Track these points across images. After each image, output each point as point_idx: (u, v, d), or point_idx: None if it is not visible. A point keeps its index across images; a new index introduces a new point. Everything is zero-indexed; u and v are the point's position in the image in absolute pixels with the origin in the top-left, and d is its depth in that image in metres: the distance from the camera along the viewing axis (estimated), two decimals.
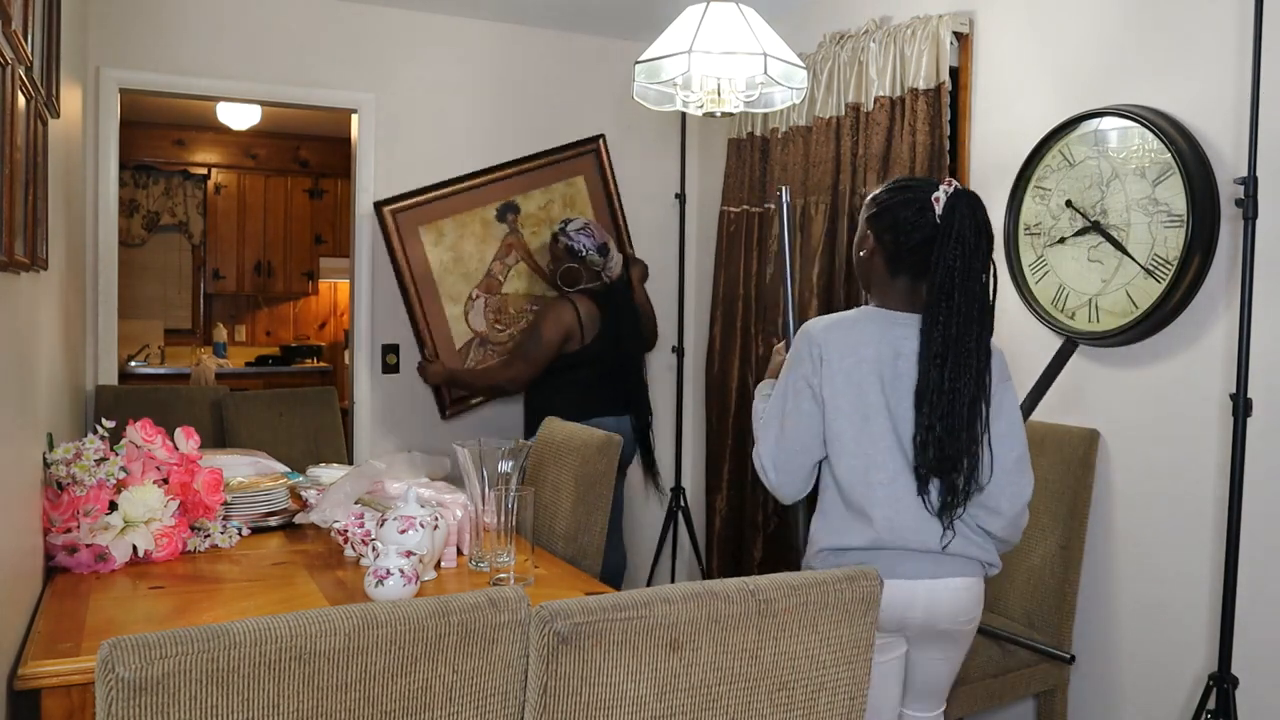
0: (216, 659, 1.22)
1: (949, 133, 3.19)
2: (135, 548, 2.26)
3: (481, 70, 4.29)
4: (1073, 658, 2.68)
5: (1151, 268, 2.61)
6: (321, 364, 7.61)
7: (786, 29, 3.03)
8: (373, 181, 4.13)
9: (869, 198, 2.13)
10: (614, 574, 3.75)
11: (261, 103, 4.92)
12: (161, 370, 7.04)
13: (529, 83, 4.37)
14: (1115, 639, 2.77)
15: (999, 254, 3.06)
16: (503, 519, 2.21)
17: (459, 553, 2.40)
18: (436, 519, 2.21)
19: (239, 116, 6.21)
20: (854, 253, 2.15)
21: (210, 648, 1.22)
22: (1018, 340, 3.03)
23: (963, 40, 3.20)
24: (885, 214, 2.05)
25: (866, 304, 2.15)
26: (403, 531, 2.14)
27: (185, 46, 3.84)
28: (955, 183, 2.02)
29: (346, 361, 5.75)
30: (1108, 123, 2.72)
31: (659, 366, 4.63)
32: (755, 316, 4.02)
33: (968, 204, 1.98)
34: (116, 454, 2.31)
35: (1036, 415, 2.93)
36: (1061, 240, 2.85)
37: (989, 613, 2.82)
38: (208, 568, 2.31)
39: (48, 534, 2.20)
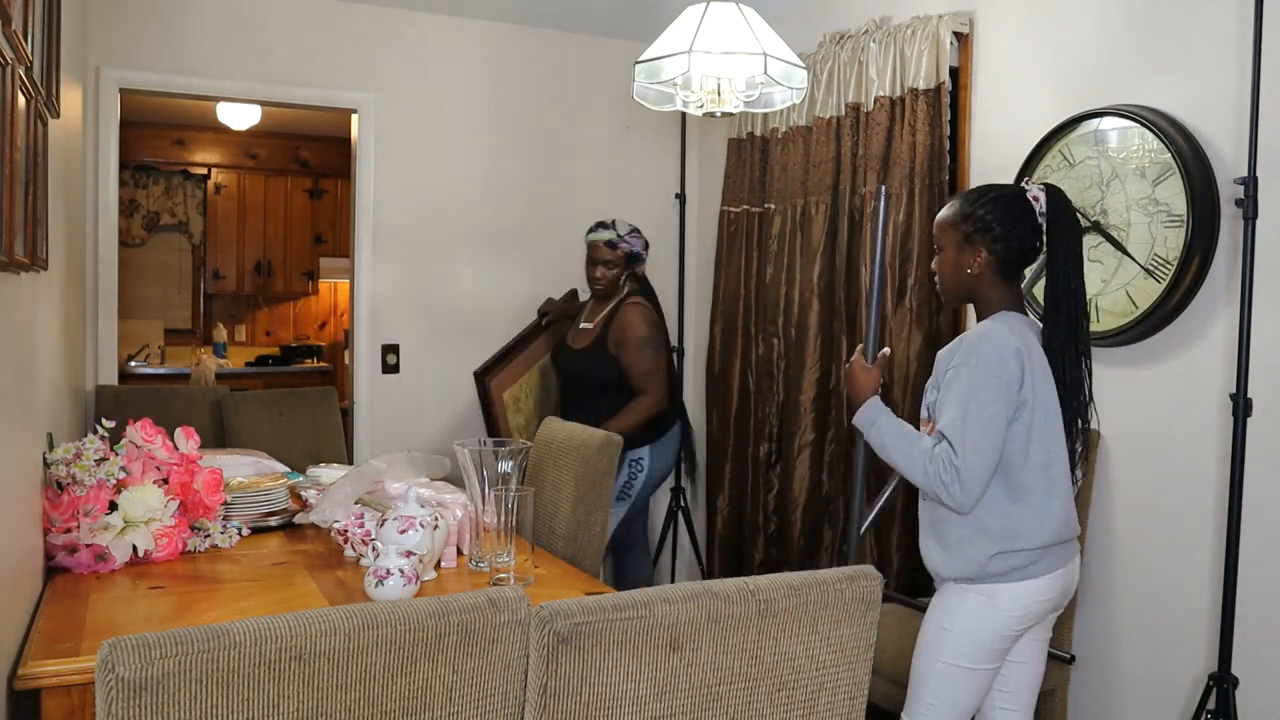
0: (216, 659, 1.22)
1: (949, 133, 3.19)
2: (135, 548, 2.26)
3: (481, 70, 4.29)
4: (1073, 658, 2.68)
5: (1151, 268, 2.61)
6: (321, 364, 7.61)
7: (786, 29, 3.03)
8: (373, 182, 4.13)
9: (956, 215, 2.13)
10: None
11: (261, 103, 4.92)
12: (161, 370, 7.04)
13: (529, 83, 4.37)
14: (1115, 639, 2.76)
15: None
16: (503, 519, 2.21)
17: (459, 553, 2.40)
18: (436, 519, 2.21)
19: (239, 116, 6.21)
20: (951, 273, 2.15)
21: (210, 648, 1.22)
22: None
23: (963, 40, 3.20)
24: (992, 225, 2.09)
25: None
26: (403, 531, 2.14)
27: (185, 46, 3.84)
28: (1031, 180, 2.11)
29: (346, 361, 5.75)
30: (1108, 123, 2.72)
31: None
32: (755, 316, 4.02)
33: (1062, 197, 2.11)
34: (116, 454, 2.31)
35: None
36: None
37: None
38: (208, 568, 2.30)
39: (48, 534, 2.20)
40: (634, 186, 4.57)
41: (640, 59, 2.50)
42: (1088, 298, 2.76)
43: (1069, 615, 2.73)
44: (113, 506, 2.26)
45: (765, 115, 3.95)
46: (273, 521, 2.66)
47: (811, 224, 3.67)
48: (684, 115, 4.44)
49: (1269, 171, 2.32)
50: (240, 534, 2.53)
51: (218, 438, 3.80)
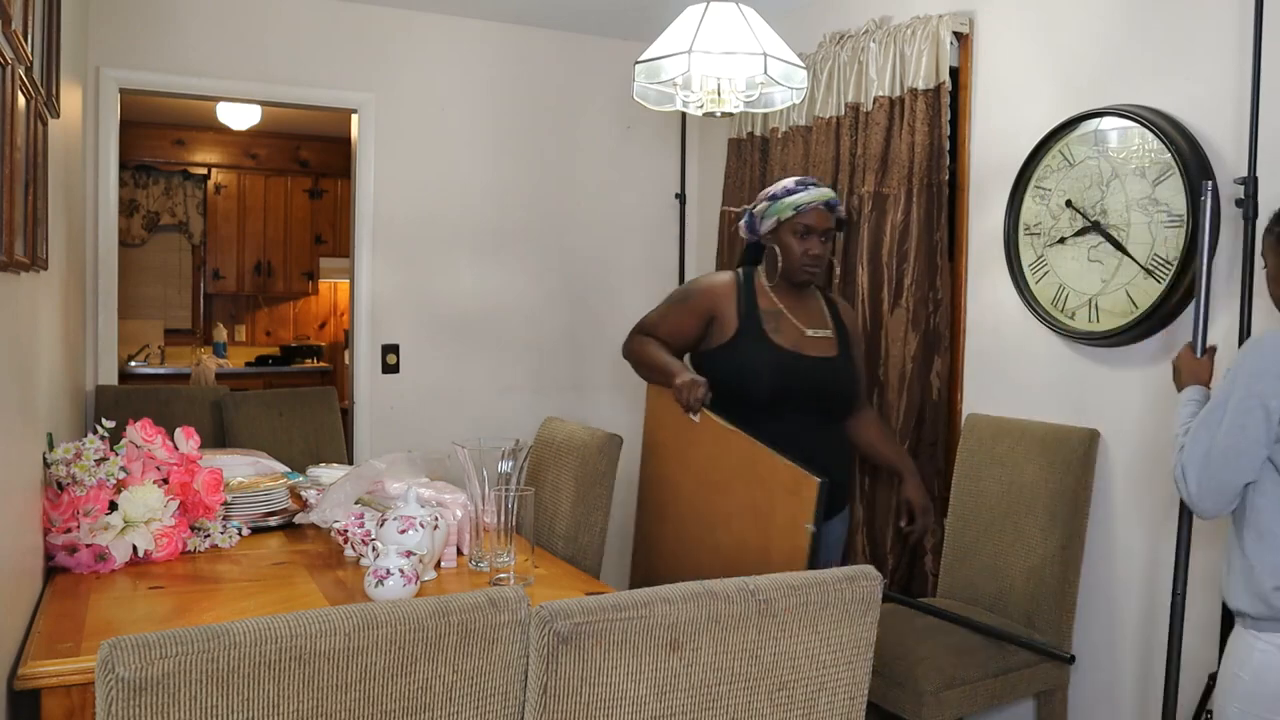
0: (216, 659, 1.22)
1: (949, 133, 3.19)
2: (135, 548, 2.26)
3: (481, 70, 4.29)
4: (1073, 658, 2.68)
5: (1151, 267, 2.61)
6: (321, 364, 7.61)
7: (786, 29, 3.03)
8: (373, 182, 4.13)
9: (1270, 222, 1.92)
10: None
11: (261, 103, 4.92)
12: (161, 370, 7.04)
13: (529, 83, 4.37)
14: (1115, 639, 2.76)
15: (999, 254, 3.07)
16: (503, 519, 2.21)
17: (459, 553, 2.40)
18: (436, 519, 2.21)
19: (239, 116, 6.21)
20: (1273, 282, 1.94)
21: (210, 648, 1.22)
22: (1017, 340, 3.03)
23: (962, 40, 3.20)
24: None
25: None
26: (403, 531, 2.14)
27: (185, 46, 3.84)
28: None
29: (346, 361, 5.75)
30: (1108, 123, 2.72)
31: None
32: None
33: None
34: (116, 454, 2.31)
35: (1036, 415, 2.94)
36: (1061, 240, 2.85)
37: (989, 613, 2.82)
38: (207, 568, 2.30)
39: (48, 534, 2.20)
40: (634, 186, 4.57)
41: (640, 59, 2.49)
42: (1088, 298, 2.77)
43: (1069, 615, 2.73)
44: (113, 506, 2.26)
45: (765, 115, 3.95)
46: (273, 521, 2.66)
47: None
48: (684, 115, 4.44)
49: (1269, 171, 2.32)
50: (240, 534, 2.53)
51: (218, 438, 3.80)
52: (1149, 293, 2.60)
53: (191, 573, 2.26)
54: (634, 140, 4.56)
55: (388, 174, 4.15)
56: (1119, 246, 2.69)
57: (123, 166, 4.22)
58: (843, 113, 3.54)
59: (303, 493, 2.74)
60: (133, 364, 6.92)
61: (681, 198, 4.54)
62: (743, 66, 2.40)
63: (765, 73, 2.37)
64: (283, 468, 2.97)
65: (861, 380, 2.93)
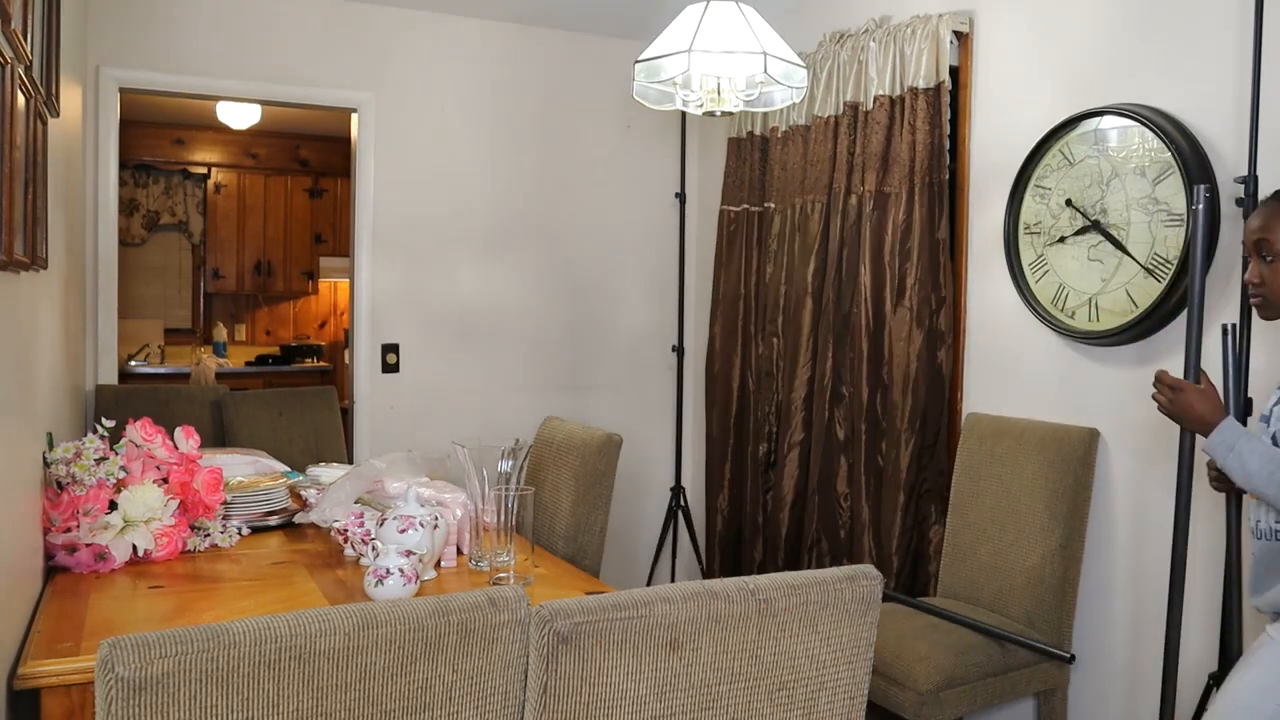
0: (216, 659, 1.22)
1: (949, 132, 3.19)
2: (135, 547, 2.26)
3: (481, 70, 4.29)
4: (1073, 658, 2.68)
5: (1151, 267, 2.61)
6: (321, 364, 7.61)
7: (786, 28, 3.03)
8: (373, 181, 4.13)
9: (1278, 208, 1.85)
10: None
11: (261, 102, 4.91)
12: (161, 370, 7.04)
13: (529, 82, 4.37)
14: (1115, 639, 2.76)
15: (999, 253, 3.07)
16: (503, 518, 2.21)
17: (459, 552, 2.40)
18: (436, 518, 2.21)
19: (239, 116, 6.21)
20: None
21: (210, 647, 1.22)
22: (1017, 340, 3.03)
23: (962, 39, 3.20)
24: None
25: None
26: (403, 531, 2.14)
27: (185, 46, 3.84)
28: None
29: (346, 361, 5.75)
30: (1108, 122, 2.72)
31: (659, 366, 4.64)
32: (755, 316, 4.02)
33: None
34: (116, 453, 2.31)
35: (1036, 414, 2.94)
36: (1061, 239, 2.85)
37: (989, 612, 2.82)
38: (207, 567, 2.30)
39: (48, 533, 2.20)
40: (634, 186, 4.57)
41: (640, 58, 2.49)
42: (1088, 297, 2.77)
43: (1069, 615, 2.73)
44: (112, 506, 2.26)
45: (765, 114, 3.95)
46: (272, 521, 2.66)
47: (808, 222, 3.67)
48: (684, 114, 4.44)
49: (1269, 171, 2.31)
50: (240, 533, 2.53)
51: (217, 437, 3.80)
52: (1149, 292, 2.60)
53: (191, 572, 2.26)
54: (634, 140, 4.56)
55: (388, 174, 4.15)
56: (1119, 246, 2.69)
57: (123, 166, 4.22)
58: (842, 112, 3.54)
59: (303, 492, 2.74)
60: (133, 363, 6.92)
61: (681, 197, 4.54)
62: (742, 66, 2.40)
63: (765, 72, 2.37)
64: (282, 467, 2.97)
65: None
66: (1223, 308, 2.47)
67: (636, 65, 2.50)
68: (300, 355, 7.56)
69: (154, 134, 7.05)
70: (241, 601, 2.05)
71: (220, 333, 7.46)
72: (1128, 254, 2.66)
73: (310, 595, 2.09)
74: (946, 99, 3.16)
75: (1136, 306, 2.64)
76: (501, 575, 2.18)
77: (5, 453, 1.70)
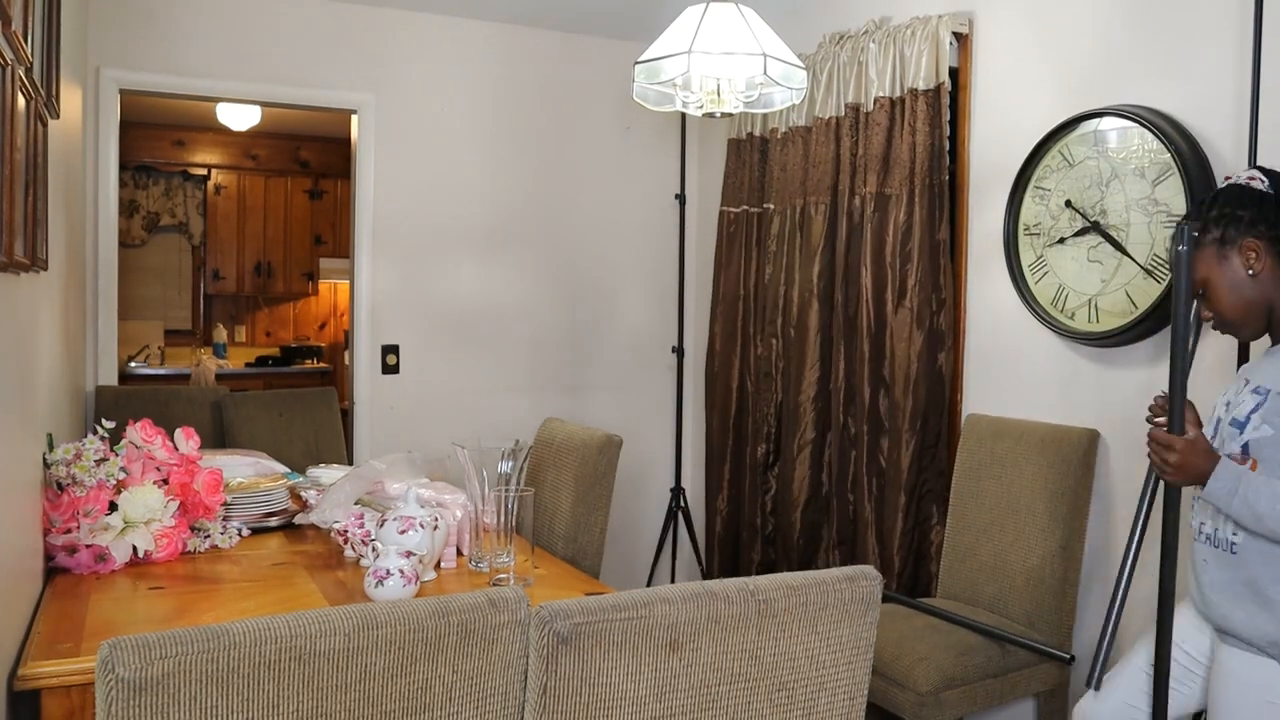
0: (216, 659, 1.22)
1: (949, 133, 3.19)
2: (135, 548, 2.26)
3: (481, 70, 4.29)
4: (1073, 658, 2.68)
5: (1151, 267, 2.61)
6: (321, 364, 7.61)
7: (786, 29, 3.03)
8: (373, 182, 4.13)
9: (1196, 236, 1.86)
10: None
11: (261, 103, 4.92)
12: (161, 371, 7.04)
13: (529, 83, 4.37)
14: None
15: (998, 254, 3.07)
16: (502, 519, 2.21)
17: (459, 553, 2.40)
18: (436, 519, 2.21)
19: (239, 117, 6.21)
20: (1230, 294, 1.87)
21: (210, 648, 1.22)
22: (1017, 341, 3.03)
23: (962, 40, 3.20)
24: (1238, 214, 1.84)
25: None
26: (402, 532, 2.14)
27: (185, 46, 3.84)
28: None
29: (346, 362, 5.75)
30: (1107, 123, 2.72)
31: (659, 366, 4.64)
32: (755, 317, 4.02)
33: None
34: (116, 454, 2.31)
35: (1035, 415, 2.94)
36: (1061, 240, 2.85)
37: (989, 613, 2.82)
38: (207, 568, 2.30)
39: (48, 534, 2.20)
40: (634, 187, 4.57)
41: (640, 59, 2.50)
42: (1088, 298, 2.77)
43: (1069, 615, 2.74)
44: (113, 507, 2.26)
45: (765, 116, 3.95)
46: (273, 522, 2.66)
47: (811, 224, 3.67)
48: (684, 116, 4.44)
49: None
50: (240, 534, 2.53)
51: (218, 438, 3.81)
52: (1149, 293, 2.60)
53: (191, 573, 2.26)
54: (634, 141, 4.56)
55: (388, 174, 4.15)
56: (1119, 247, 2.69)
57: (123, 167, 4.22)
58: (843, 113, 3.54)
59: (303, 493, 2.74)
60: (133, 365, 6.92)
61: (681, 198, 4.54)
62: (742, 67, 2.40)
63: (765, 73, 2.37)
64: (283, 468, 2.97)
65: None
66: None
67: (636, 66, 2.51)
68: (300, 356, 7.56)
69: (154, 135, 7.05)
70: (241, 602, 2.05)
71: (220, 334, 7.46)
72: (1127, 255, 2.67)
73: (310, 596, 2.09)
74: (946, 100, 3.16)
75: (1136, 307, 2.64)
76: (501, 576, 2.18)
77: (5, 454, 1.70)
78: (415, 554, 2.06)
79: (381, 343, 4.19)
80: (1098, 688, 2.11)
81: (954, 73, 3.21)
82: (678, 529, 4.43)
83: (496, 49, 4.31)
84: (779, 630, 1.52)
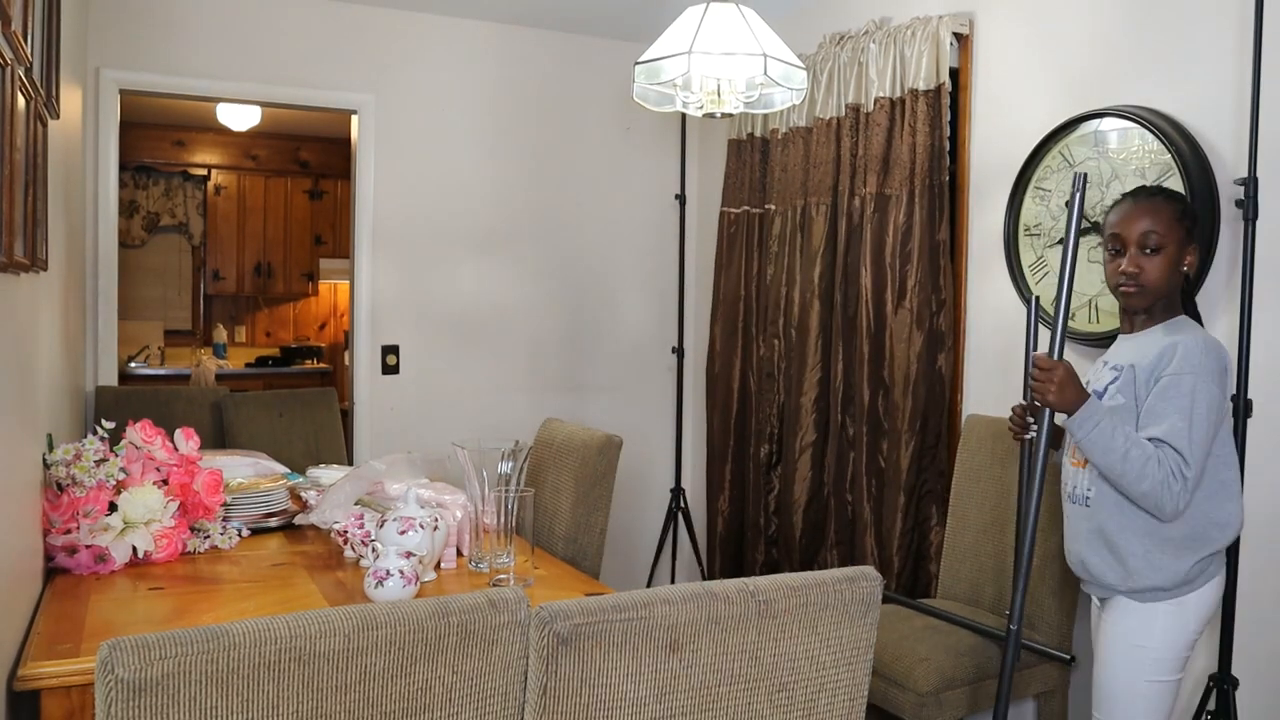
0: (216, 660, 1.22)
1: (949, 133, 3.19)
2: (135, 549, 2.26)
3: (481, 71, 4.29)
4: (1073, 658, 2.68)
5: None
6: (321, 365, 7.61)
7: (786, 29, 3.03)
8: (373, 182, 4.13)
9: (1179, 211, 2.09)
10: None
11: (261, 103, 4.92)
12: (161, 371, 7.03)
13: (529, 83, 4.37)
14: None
15: (999, 255, 3.07)
16: (502, 520, 2.21)
17: (459, 554, 2.40)
18: (436, 520, 2.21)
19: (239, 117, 6.21)
20: (1167, 274, 2.07)
21: (210, 648, 1.22)
22: (1017, 341, 3.03)
23: (962, 41, 3.20)
24: (1199, 222, 2.12)
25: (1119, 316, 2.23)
26: (402, 532, 2.14)
27: (185, 47, 3.84)
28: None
29: (346, 362, 5.75)
30: (1108, 123, 2.72)
31: (659, 367, 4.64)
32: (755, 317, 4.02)
33: None
34: (116, 455, 2.31)
35: None
36: (1061, 241, 2.84)
37: (989, 614, 2.82)
38: (207, 569, 2.30)
39: (47, 535, 2.20)
40: (634, 187, 4.57)
41: (640, 59, 2.50)
42: (1088, 298, 2.77)
43: (1069, 615, 2.73)
44: (112, 507, 2.26)
45: (765, 116, 3.95)
46: (272, 522, 2.66)
47: (812, 225, 3.67)
48: (684, 116, 4.44)
49: (1269, 172, 2.31)
50: (240, 535, 2.53)
51: (217, 439, 3.80)
52: None
53: (191, 574, 2.26)
54: (634, 141, 4.56)
55: (388, 175, 4.15)
56: None
57: (123, 167, 4.22)
58: (843, 114, 3.54)
59: (303, 494, 2.75)
60: (132, 365, 6.92)
61: (681, 199, 4.54)
62: (742, 67, 2.40)
63: (765, 73, 2.37)
64: (282, 469, 2.97)
65: None
66: (1224, 306, 2.47)
67: (636, 67, 2.50)
68: (300, 357, 7.56)
69: (154, 136, 7.05)
70: (241, 603, 2.05)
71: (220, 334, 7.46)
72: None
73: (310, 597, 2.09)
74: (946, 101, 3.16)
75: None
76: (501, 577, 2.18)
77: (5, 454, 1.70)
78: (415, 555, 2.06)
79: (381, 343, 4.19)
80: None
81: (954, 73, 3.21)
82: (678, 529, 4.43)
83: (497, 49, 4.31)
84: (779, 631, 1.52)
